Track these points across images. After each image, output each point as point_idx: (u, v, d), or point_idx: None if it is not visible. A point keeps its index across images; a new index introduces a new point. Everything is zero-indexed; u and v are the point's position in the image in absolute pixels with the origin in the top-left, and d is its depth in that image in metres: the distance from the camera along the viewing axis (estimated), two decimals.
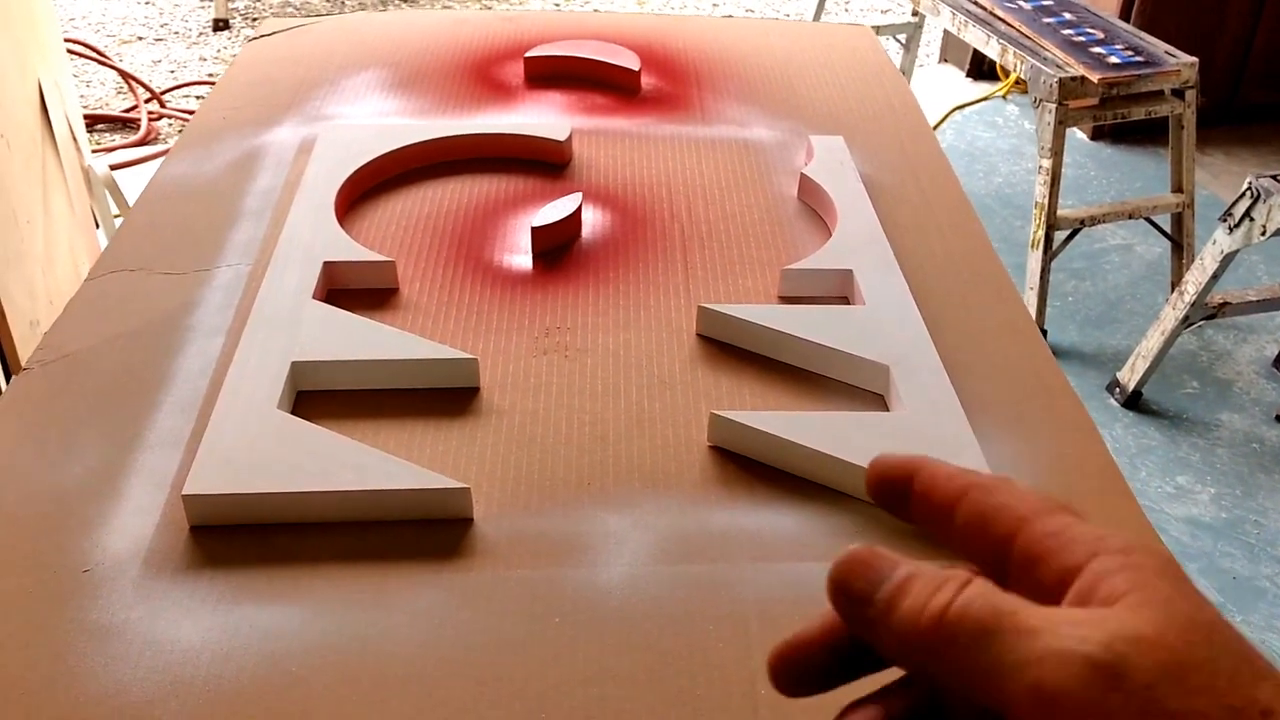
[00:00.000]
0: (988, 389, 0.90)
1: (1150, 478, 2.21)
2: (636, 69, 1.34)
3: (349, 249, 0.99)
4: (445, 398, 0.87)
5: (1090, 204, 2.99)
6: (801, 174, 1.14)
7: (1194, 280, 2.23)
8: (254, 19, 4.31)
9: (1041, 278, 2.51)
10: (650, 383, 0.89)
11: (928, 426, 0.81)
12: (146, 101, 3.57)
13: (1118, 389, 2.41)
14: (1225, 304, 2.29)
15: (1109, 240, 2.99)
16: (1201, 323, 2.57)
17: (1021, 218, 3.07)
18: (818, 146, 1.17)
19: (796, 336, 0.90)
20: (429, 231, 1.07)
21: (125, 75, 3.66)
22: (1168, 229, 2.69)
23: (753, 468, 0.81)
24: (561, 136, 1.17)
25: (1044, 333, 2.55)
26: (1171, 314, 2.28)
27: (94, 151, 3.03)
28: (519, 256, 1.04)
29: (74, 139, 2.45)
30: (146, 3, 4.45)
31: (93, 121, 3.47)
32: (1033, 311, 2.53)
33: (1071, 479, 0.82)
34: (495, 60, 1.41)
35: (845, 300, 0.99)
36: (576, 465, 0.81)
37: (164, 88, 3.69)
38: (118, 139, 3.45)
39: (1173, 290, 2.66)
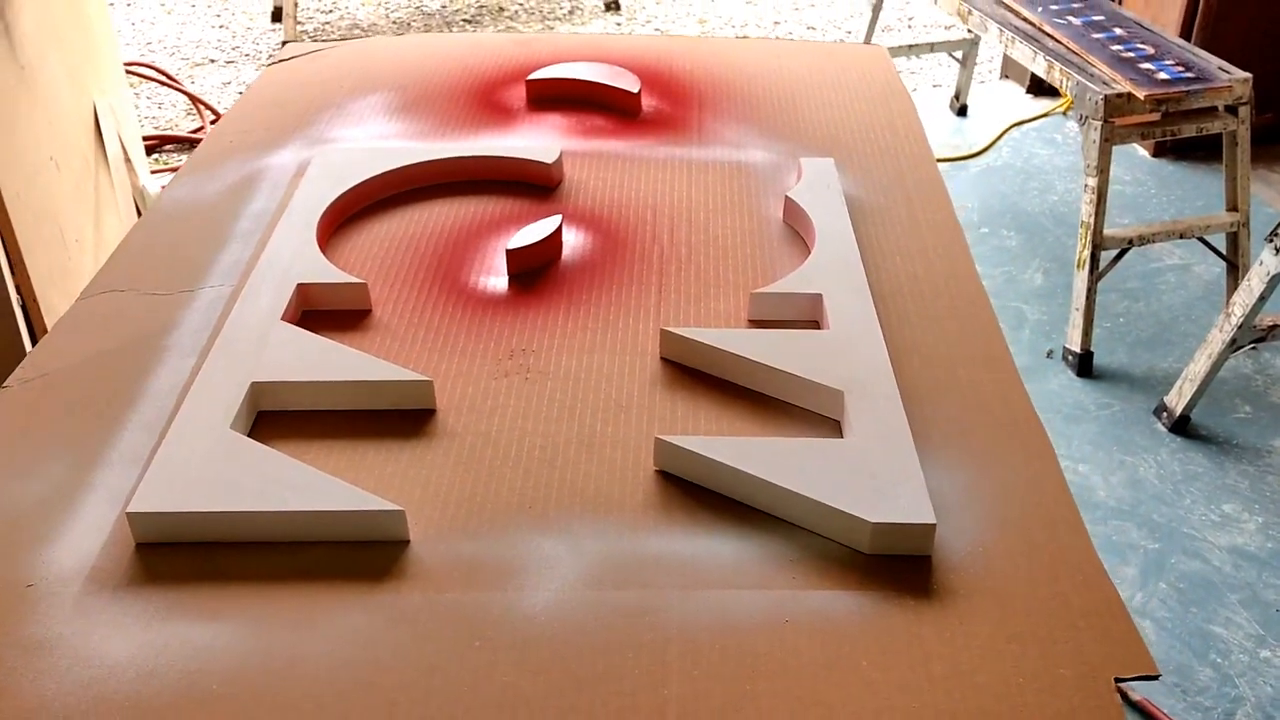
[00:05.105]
0: (950, 417, 0.88)
1: (1194, 504, 2.14)
2: (636, 91, 1.34)
3: (323, 271, 1.00)
4: (402, 419, 0.88)
5: (1148, 223, 2.92)
6: (786, 196, 1.13)
7: (1241, 302, 2.16)
8: (324, 40, 4.41)
9: (1088, 298, 2.46)
10: (606, 405, 0.89)
11: (874, 454, 0.80)
12: (212, 123, 3.67)
13: (1165, 413, 2.34)
14: (1275, 326, 2.21)
15: (1165, 260, 2.91)
16: (1257, 346, 2.49)
17: (1075, 236, 3.00)
18: (807, 169, 1.17)
19: (755, 360, 0.89)
20: (409, 253, 1.08)
21: (193, 98, 3.78)
22: (1224, 248, 2.61)
23: (697, 493, 0.81)
24: (550, 159, 1.18)
25: (1089, 355, 2.49)
26: (1219, 337, 2.22)
27: (155, 172, 3.13)
28: (495, 278, 1.05)
29: (127, 160, 2.53)
30: (220, 26, 4.58)
31: (162, 142, 3.59)
32: (1078, 333, 2.48)
33: (1025, 508, 0.80)
34: (501, 83, 1.43)
35: (816, 324, 0.98)
36: (520, 488, 0.81)
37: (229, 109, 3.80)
38: (184, 159, 3.55)
39: None
